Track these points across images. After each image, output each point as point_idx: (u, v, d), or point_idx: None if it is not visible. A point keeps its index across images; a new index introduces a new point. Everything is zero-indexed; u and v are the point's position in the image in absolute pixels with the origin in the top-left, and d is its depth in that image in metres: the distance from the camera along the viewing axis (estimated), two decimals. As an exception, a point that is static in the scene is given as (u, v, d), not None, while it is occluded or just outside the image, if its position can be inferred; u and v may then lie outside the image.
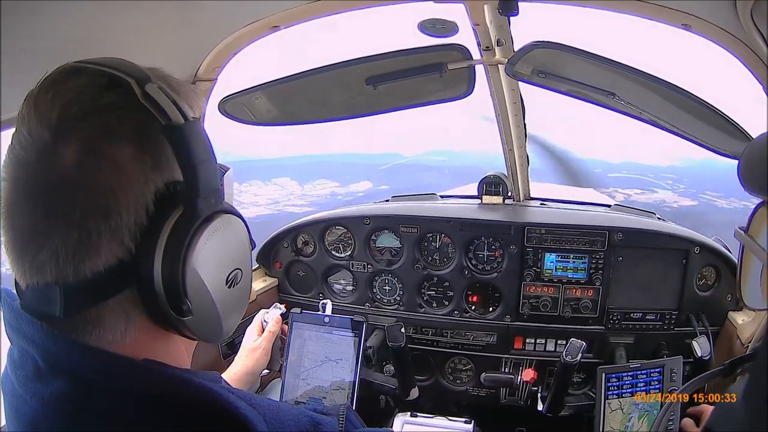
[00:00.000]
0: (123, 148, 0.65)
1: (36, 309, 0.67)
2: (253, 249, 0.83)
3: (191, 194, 0.67)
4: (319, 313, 1.91)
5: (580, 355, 1.95)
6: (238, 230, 0.76)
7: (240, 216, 0.77)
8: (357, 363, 1.83)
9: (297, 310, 1.89)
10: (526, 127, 2.29)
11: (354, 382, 1.82)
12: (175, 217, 0.66)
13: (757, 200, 1.20)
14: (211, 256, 0.70)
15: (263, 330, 1.77)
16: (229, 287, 0.74)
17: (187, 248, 0.66)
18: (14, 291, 0.70)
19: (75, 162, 0.63)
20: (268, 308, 1.87)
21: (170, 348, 0.75)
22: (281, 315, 1.82)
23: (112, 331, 0.68)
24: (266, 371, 1.82)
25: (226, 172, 0.86)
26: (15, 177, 0.65)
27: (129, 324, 0.68)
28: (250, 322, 1.82)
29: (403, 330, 2.10)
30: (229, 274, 0.73)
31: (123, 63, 0.69)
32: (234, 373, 1.64)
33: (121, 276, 0.65)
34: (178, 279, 0.66)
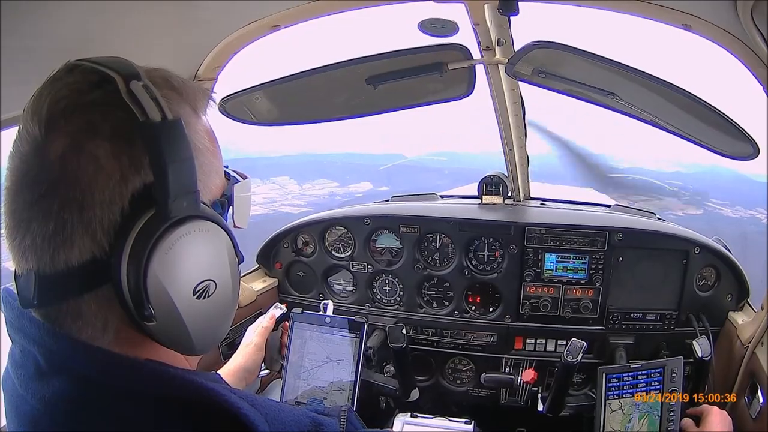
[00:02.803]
0: (103, 146, 0.65)
1: (21, 296, 0.67)
2: (241, 262, 0.78)
3: (162, 195, 0.66)
4: (321, 313, 1.90)
5: (580, 355, 1.95)
6: (214, 238, 0.72)
7: (221, 224, 0.74)
8: (358, 364, 1.83)
9: (298, 310, 1.89)
10: (527, 127, 2.29)
11: (355, 382, 1.82)
12: (145, 218, 0.66)
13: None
14: (175, 263, 0.67)
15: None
16: (198, 298, 0.70)
17: (150, 251, 0.65)
18: (14, 287, 0.70)
19: (59, 155, 0.64)
20: (268, 309, 1.87)
21: (161, 354, 0.73)
22: (282, 315, 1.82)
23: (92, 327, 0.68)
24: (266, 372, 1.81)
25: (238, 181, 0.84)
26: (13, 166, 0.67)
27: (108, 323, 0.68)
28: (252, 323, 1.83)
29: (404, 331, 2.10)
30: (198, 285, 0.70)
31: (118, 61, 0.69)
32: (229, 370, 1.64)
33: (95, 273, 0.65)
34: (140, 282, 0.65)
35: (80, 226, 0.64)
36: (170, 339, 0.70)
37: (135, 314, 0.66)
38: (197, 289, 0.70)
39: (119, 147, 0.65)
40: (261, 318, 1.81)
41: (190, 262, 0.69)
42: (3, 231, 0.68)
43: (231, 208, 0.82)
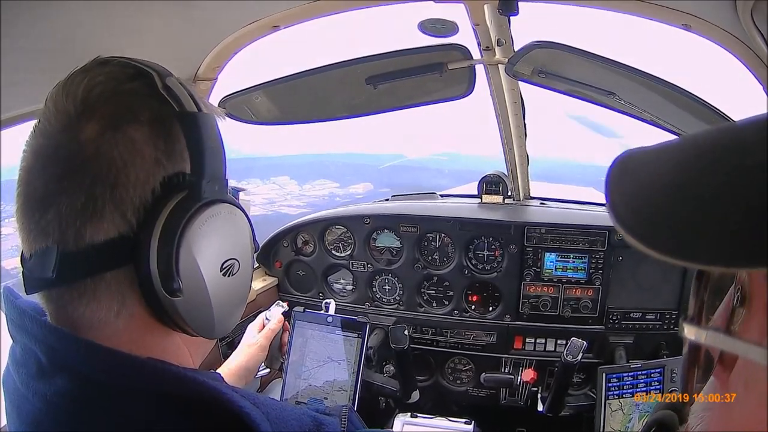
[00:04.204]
0: (140, 130, 0.68)
1: (35, 277, 0.67)
2: (256, 251, 0.82)
3: (196, 178, 0.69)
4: (322, 312, 1.90)
5: (580, 354, 1.95)
6: (240, 222, 0.76)
7: (245, 212, 0.78)
8: (359, 364, 1.82)
9: (300, 308, 1.89)
10: (526, 126, 2.30)
11: (356, 383, 1.82)
12: (178, 198, 0.69)
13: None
14: (207, 239, 0.70)
15: (264, 327, 1.77)
16: (224, 275, 0.73)
17: (184, 225, 0.68)
18: (20, 272, 0.70)
19: (94, 135, 0.66)
20: (270, 307, 1.86)
21: (169, 345, 0.74)
22: (283, 313, 1.82)
23: (105, 309, 0.68)
24: (266, 371, 1.81)
25: (239, 192, 0.88)
26: (37, 145, 0.68)
27: (123, 307, 0.68)
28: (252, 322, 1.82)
29: (406, 332, 2.10)
30: (225, 262, 0.73)
31: (149, 62, 0.73)
32: (229, 369, 1.63)
33: (120, 250, 0.66)
34: (172, 254, 0.67)
35: (111, 202, 0.65)
36: (192, 316, 0.71)
37: (160, 290, 0.67)
38: (224, 266, 0.73)
39: (156, 133, 0.68)
40: (262, 314, 1.81)
41: (221, 239, 0.72)
42: (16, 213, 0.69)
43: None
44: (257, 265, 2.57)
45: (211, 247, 0.71)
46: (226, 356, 1.92)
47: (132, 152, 0.66)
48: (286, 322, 1.84)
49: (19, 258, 0.70)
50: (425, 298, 2.45)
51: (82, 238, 0.65)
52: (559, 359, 2.04)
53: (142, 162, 0.67)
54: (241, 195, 0.88)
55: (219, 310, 0.74)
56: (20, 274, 0.70)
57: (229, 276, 0.74)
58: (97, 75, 0.69)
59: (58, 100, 0.68)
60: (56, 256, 0.65)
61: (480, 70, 1.90)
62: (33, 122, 0.70)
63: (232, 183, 0.84)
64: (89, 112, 0.66)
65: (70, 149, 0.66)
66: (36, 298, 0.71)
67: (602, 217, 2.36)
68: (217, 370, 1.54)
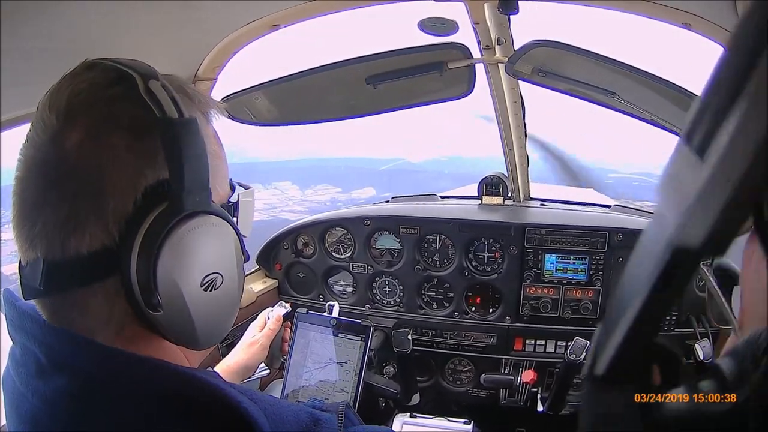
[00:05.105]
0: (121, 138, 0.66)
1: (26, 286, 0.67)
2: (246, 261, 0.80)
3: (176, 189, 0.67)
4: (326, 314, 1.89)
5: (584, 353, 1.95)
6: (223, 234, 0.74)
7: (230, 222, 0.75)
8: (362, 367, 1.81)
9: (303, 310, 1.88)
10: (527, 126, 2.29)
11: (357, 385, 1.81)
12: (158, 210, 0.67)
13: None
14: (186, 253, 0.69)
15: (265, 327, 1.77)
16: (206, 290, 0.72)
17: (162, 240, 0.66)
18: (18, 279, 0.70)
19: (76, 144, 0.65)
20: (273, 307, 1.85)
21: (164, 351, 0.73)
22: (285, 314, 1.81)
23: (95, 318, 0.68)
24: (266, 371, 1.80)
25: (245, 189, 0.86)
26: (27, 155, 0.68)
27: (111, 316, 0.68)
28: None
29: (410, 336, 2.09)
30: (206, 277, 0.71)
31: (137, 62, 0.71)
32: (228, 366, 1.63)
33: (104, 262, 0.66)
34: (150, 270, 0.66)
35: (92, 214, 0.65)
36: (175, 330, 0.70)
37: (142, 304, 0.66)
38: (205, 281, 0.71)
39: (137, 141, 0.67)
40: (264, 313, 1.80)
41: (200, 254, 0.70)
42: (11, 221, 0.69)
43: (236, 215, 0.83)
44: (257, 267, 2.57)
45: (191, 263, 0.69)
46: (225, 357, 1.91)
47: (113, 161, 0.65)
48: (289, 322, 1.84)
49: (17, 265, 0.70)
50: (425, 299, 2.44)
51: (67, 249, 0.65)
52: (559, 360, 2.03)
53: (124, 171, 0.66)
54: (244, 195, 0.85)
55: (202, 324, 0.72)
56: (18, 282, 0.70)
57: (211, 290, 0.72)
58: (82, 81, 0.68)
59: (44, 109, 0.67)
60: (42, 268, 0.65)
61: (480, 69, 1.90)
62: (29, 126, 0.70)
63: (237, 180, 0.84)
64: (72, 121, 0.66)
65: (55, 159, 0.65)
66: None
67: (602, 218, 2.35)
68: (215, 368, 1.54)
